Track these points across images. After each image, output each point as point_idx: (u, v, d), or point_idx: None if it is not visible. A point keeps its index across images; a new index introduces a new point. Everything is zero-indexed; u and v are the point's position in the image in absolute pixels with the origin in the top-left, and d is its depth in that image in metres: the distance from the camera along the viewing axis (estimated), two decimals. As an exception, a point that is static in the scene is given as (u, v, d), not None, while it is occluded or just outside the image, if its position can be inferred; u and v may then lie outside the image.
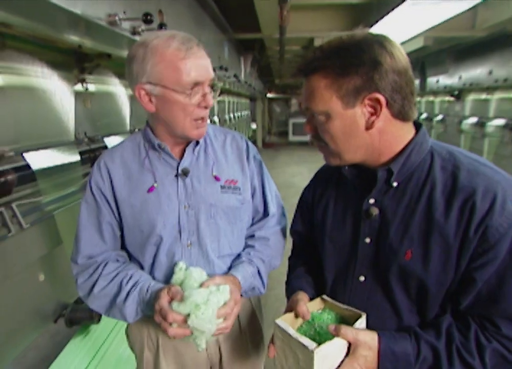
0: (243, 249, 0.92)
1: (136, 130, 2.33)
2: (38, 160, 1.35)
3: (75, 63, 1.63)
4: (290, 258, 0.97)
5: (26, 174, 1.30)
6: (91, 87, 1.88)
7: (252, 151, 0.95)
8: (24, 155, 1.30)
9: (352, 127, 0.64)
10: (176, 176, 0.85)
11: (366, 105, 0.62)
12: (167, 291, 0.74)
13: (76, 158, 1.58)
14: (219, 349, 0.91)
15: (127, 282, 0.80)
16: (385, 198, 0.68)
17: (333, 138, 0.66)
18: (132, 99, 2.25)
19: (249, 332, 0.95)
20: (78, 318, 1.67)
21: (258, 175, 0.95)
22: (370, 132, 0.64)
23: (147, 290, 0.78)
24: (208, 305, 0.71)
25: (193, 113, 0.79)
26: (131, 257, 0.89)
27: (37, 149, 1.36)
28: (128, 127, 2.15)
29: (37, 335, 1.55)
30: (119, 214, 0.85)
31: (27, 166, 1.31)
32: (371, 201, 0.69)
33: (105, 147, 1.91)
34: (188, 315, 0.70)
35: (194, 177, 0.86)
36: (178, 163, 0.85)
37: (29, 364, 1.52)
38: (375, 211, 0.68)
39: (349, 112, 0.63)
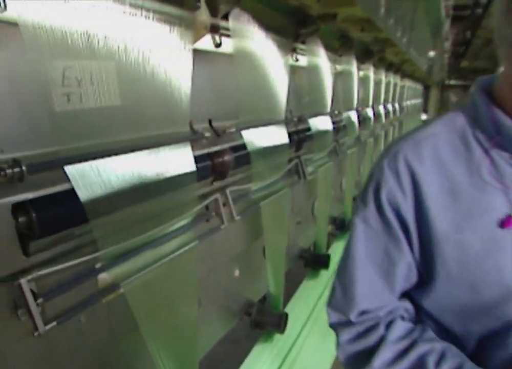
0: None
1: (336, 112, 2.03)
2: (252, 139, 1.15)
3: (293, 28, 1.38)
4: None
5: (240, 155, 1.10)
6: (301, 59, 1.63)
7: None
8: (242, 132, 1.10)
9: None
10: None
11: None
12: None
13: (285, 139, 1.34)
14: None
15: (437, 364, 0.46)
16: None
17: None
18: (337, 76, 1.94)
19: None
20: (264, 321, 1.48)
21: None
22: None
23: None
24: None
25: None
26: (422, 316, 0.55)
27: (252, 127, 1.15)
28: (328, 109, 1.85)
29: (225, 332, 1.42)
30: (425, 251, 0.50)
31: (243, 146, 1.11)
32: None
33: (308, 129, 1.65)
34: None
35: None
36: None
37: (215, 360, 1.40)
38: None
39: None
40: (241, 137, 1.09)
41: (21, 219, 0.57)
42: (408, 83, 5.49)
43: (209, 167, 0.96)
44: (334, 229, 2.43)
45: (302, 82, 1.65)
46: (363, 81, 2.68)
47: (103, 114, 0.69)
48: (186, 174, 0.85)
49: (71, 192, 0.61)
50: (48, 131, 0.60)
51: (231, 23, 1.00)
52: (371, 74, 2.79)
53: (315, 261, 1.90)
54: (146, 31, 0.77)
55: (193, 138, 0.88)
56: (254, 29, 1.09)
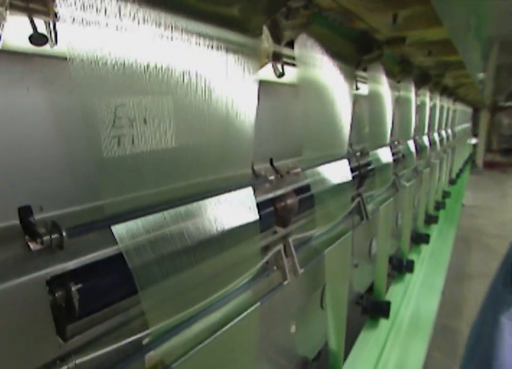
0: None
1: (396, 143, 1.86)
2: (316, 179, 1.01)
3: (356, 54, 1.26)
4: None
5: (303, 198, 0.96)
6: (361, 87, 1.50)
7: None
8: (307, 172, 0.97)
9: None
10: None
11: None
12: None
13: (349, 177, 1.19)
14: None
15: None
16: None
17: None
18: (397, 103, 1.78)
19: None
20: (323, 385, 1.29)
21: None
22: None
23: None
24: None
25: None
26: None
27: (316, 165, 1.01)
28: (387, 140, 1.69)
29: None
30: None
31: (306, 187, 0.97)
32: None
33: (368, 163, 1.49)
34: None
35: None
36: None
37: None
38: None
39: None
40: (304, 176, 0.96)
41: (58, 295, 0.45)
42: (459, 107, 5.20)
43: (273, 214, 0.83)
44: (390, 269, 2.20)
45: (363, 112, 1.51)
46: (420, 107, 2.50)
47: (157, 158, 0.59)
48: (249, 224, 0.72)
49: (119, 257, 0.49)
50: (94, 182, 0.49)
51: (296, 51, 0.89)
52: (427, 99, 2.61)
53: (374, 308, 1.69)
54: (206, 61, 0.66)
55: (257, 183, 0.76)
56: (320, 57, 0.97)
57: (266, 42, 0.88)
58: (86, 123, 0.48)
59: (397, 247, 2.31)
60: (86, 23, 0.44)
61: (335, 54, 1.07)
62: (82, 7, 0.45)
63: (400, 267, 2.13)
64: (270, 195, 0.81)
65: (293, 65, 0.99)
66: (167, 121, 0.60)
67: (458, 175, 5.31)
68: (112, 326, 0.54)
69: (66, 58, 0.43)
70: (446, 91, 3.35)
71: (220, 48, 0.69)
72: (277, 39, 0.90)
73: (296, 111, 1.10)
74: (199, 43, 0.64)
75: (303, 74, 0.94)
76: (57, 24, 0.48)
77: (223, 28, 0.69)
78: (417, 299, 2.05)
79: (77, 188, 0.51)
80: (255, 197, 0.76)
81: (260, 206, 0.77)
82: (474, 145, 9.08)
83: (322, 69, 1.00)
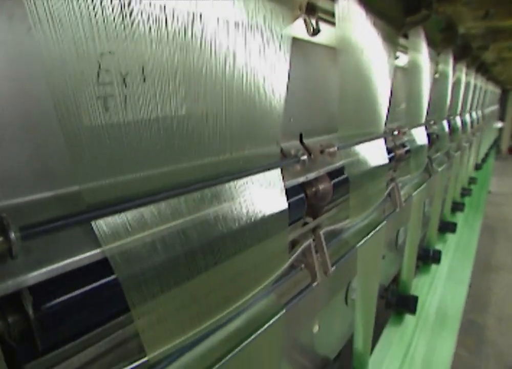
0: None
1: (432, 122, 1.67)
2: (351, 159, 0.85)
3: (401, 14, 1.07)
4: None
5: (337, 182, 0.81)
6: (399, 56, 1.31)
7: None
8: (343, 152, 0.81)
9: None
10: None
11: None
12: None
13: (385, 158, 1.03)
14: None
15: None
16: None
17: None
18: (435, 78, 1.58)
19: None
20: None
21: None
22: None
23: None
24: None
25: None
26: None
27: (353, 144, 0.85)
28: (423, 119, 1.50)
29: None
30: None
31: (341, 170, 0.82)
32: None
33: (403, 144, 1.32)
34: None
35: None
36: None
37: None
38: None
39: None
40: (339, 157, 0.80)
41: (11, 320, 0.32)
42: (490, 86, 4.88)
43: (303, 202, 0.68)
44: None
45: (399, 86, 1.33)
46: (455, 84, 2.27)
47: (158, 128, 0.44)
48: (276, 215, 0.58)
49: (102, 265, 0.35)
50: (67, 160, 0.35)
51: (338, 4, 0.71)
52: (463, 76, 2.37)
53: (400, 303, 1.55)
54: (225, 8, 0.50)
55: (286, 164, 0.61)
56: (364, 15, 0.80)
57: (300, -10, 0.71)
58: (54, 77, 0.33)
59: (421, 236, 2.15)
60: None
61: (379, 12, 0.89)
62: None
63: (427, 257, 1.98)
64: (301, 179, 0.66)
65: (330, 23, 0.82)
66: (173, 79, 0.44)
67: (484, 160, 5.04)
68: (95, 357, 0.40)
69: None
70: (482, 68, 3.08)
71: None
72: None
73: (329, 78, 0.93)
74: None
75: (343, 33, 0.76)
76: None
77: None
78: (443, 292, 1.90)
79: (44, 168, 0.37)
80: (283, 182, 0.61)
81: (288, 192, 0.62)
82: (500, 129, 8.66)
83: (365, 30, 0.82)
